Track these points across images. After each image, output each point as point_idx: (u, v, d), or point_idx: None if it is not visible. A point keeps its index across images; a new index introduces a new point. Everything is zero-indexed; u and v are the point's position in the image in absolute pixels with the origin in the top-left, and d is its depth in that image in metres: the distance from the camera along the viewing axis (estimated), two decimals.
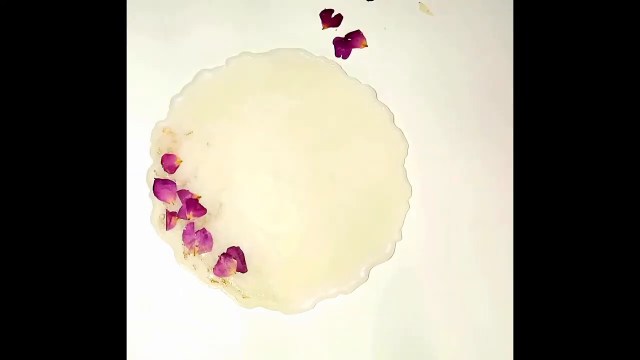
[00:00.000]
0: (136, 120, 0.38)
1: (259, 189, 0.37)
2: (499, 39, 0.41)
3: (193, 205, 0.37)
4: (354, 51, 0.40)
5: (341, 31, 0.41)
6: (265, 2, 0.41)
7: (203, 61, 0.39)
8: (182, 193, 0.37)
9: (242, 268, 0.36)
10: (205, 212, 0.37)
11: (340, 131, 0.39)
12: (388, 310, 0.36)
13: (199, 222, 0.37)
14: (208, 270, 0.36)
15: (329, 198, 0.37)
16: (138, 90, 0.38)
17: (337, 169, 0.38)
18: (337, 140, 0.38)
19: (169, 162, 0.37)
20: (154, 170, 0.37)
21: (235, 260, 0.36)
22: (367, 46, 0.41)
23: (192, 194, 0.37)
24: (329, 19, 0.41)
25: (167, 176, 0.37)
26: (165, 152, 0.38)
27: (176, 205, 0.37)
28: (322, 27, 0.41)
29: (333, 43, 0.41)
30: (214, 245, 0.36)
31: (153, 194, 0.37)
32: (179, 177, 0.37)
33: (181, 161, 0.37)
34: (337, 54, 0.40)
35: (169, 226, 0.36)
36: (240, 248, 0.36)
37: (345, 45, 0.40)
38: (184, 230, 0.36)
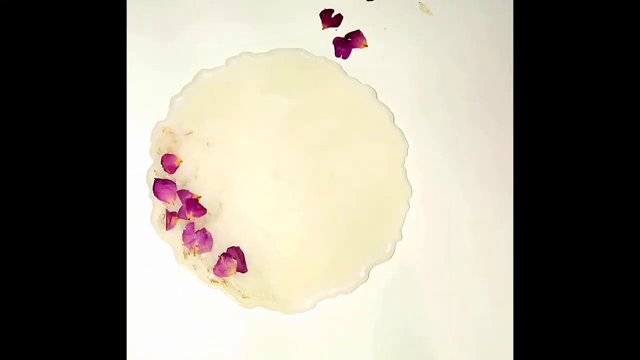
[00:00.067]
0: (136, 120, 0.38)
1: (259, 189, 0.37)
2: (498, 39, 0.41)
3: (193, 205, 0.37)
4: (354, 51, 0.40)
5: (341, 31, 0.41)
6: (266, 2, 0.41)
7: (203, 61, 0.39)
8: (182, 193, 0.37)
9: (242, 268, 0.36)
10: (205, 212, 0.37)
11: (340, 131, 0.39)
12: (388, 310, 0.36)
13: (199, 222, 0.37)
14: (208, 270, 0.36)
15: (329, 198, 0.37)
16: (138, 90, 0.38)
17: (337, 169, 0.38)
18: (337, 140, 0.38)
19: (169, 162, 0.37)
20: (154, 170, 0.37)
21: (235, 260, 0.36)
22: (367, 46, 0.41)
23: (192, 194, 0.37)
24: (329, 19, 0.41)
25: (167, 176, 0.37)
26: (165, 152, 0.38)
27: (176, 205, 0.37)
28: (322, 27, 0.41)
29: (333, 43, 0.41)
30: (214, 245, 0.36)
31: (153, 194, 0.37)
32: (179, 177, 0.37)
33: (181, 161, 0.37)
34: (337, 54, 0.40)
35: (169, 226, 0.36)
36: (240, 248, 0.36)
37: (345, 45, 0.40)
38: (184, 230, 0.36)
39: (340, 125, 0.39)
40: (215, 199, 0.37)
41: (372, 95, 0.39)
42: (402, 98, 0.40)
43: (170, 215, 0.36)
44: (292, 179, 0.38)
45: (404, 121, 0.39)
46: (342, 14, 0.41)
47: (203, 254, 0.36)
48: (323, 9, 0.41)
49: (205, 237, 0.36)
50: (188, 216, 0.36)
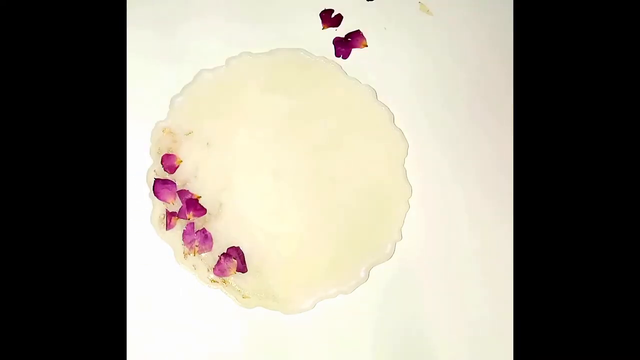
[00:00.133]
0: (136, 120, 0.38)
1: (259, 189, 0.37)
2: (498, 39, 0.41)
3: (193, 205, 0.37)
4: (354, 51, 0.40)
5: (341, 31, 0.41)
6: (266, 2, 0.41)
7: (203, 61, 0.39)
8: (182, 193, 0.37)
9: (242, 268, 0.36)
10: (205, 212, 0.37)
11: (340, 131, 0.39)
12: (388, 310, 0.36)
13: (199, 222, 0.37)
14: (208, 270, 0.36)
15: (329, 198, 0.37)
16: (138, 90, 0.38)
17: (337, 169, 0.38)
18: (337, 140, 0.38)
19: (169, 162, 0.37)
20: (154, 170, 0.37)
21: (235, 260, 0.36)
22: (367, 46, 0.41)
23: (192, 194, 0.37)
24: (329, 19, 0.41)
25: (167, 176, 0.37)
26: (165, 152, 0.38)
27: (176, 205, 0.37)
28: (322, 27, 0.41)
29: (333, 43, 0.41)
30: (214, 245, 0.36)
31: (153, 194, 0.37)
32: (179, 177, 0.37)
33: (181, 161, 0.37)
34: (337, 54, 0.40)
35: (169, 226, 0.36)
36: (240, 248, 0.36)
37: (345, 45, 0.40)
38: (184, 230, 0.36)
39: (340, 125, 0.39)
40: (215, 199, 0.37)
41: (372, 95, 0.39)
42: (402, 98, 0.40)
43: (170, 215, 0.36)
44: (292, 179, 0.38)
45: (404, 121, 0.39)
46: (342, 14, 0.41)
47: (203, 254, 0.36)
48: (323, 9, 0.41)
49: (205, 237, 0.36)
50: (188, 216, 0.36)
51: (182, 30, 0.40)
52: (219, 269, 0.36)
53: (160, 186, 0.37)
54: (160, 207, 0.37)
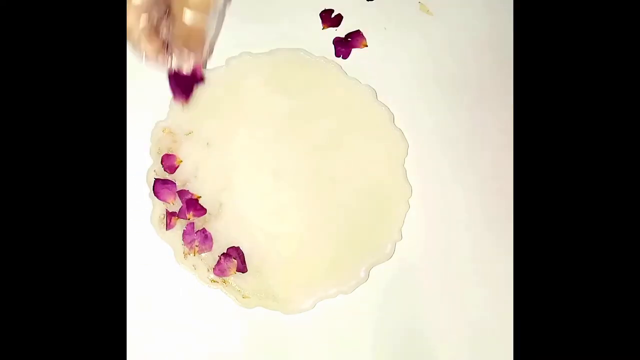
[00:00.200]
0: (136, 120, 0.37)
1: (259, 189, 0.37)
2: (498, 39, 0.41)
3: (193, 205, 0.37)
4: (354, 51, 0.40)
5: (341, 31, 0.41)
6: (266, 2, 0.41)
7: None
8: (182, 193, 0.37)
9: (242, 268, 0.36)
10: (205, 212, 0.37)
11: (340, 131, 0.39)
12: (388, 310, 0.36)
13: (199, 222, 0.37)
14: (208, 270, 0.36)
15: (329, 198, 0.37)
16: (138, 90, 0.38)
17: (337, 169, 0.38)
18: (337, 140, 0.38)
19: (169, 162, 0.37)
20: (154, 170, 0.37)
21: (235, 260, 0.36)
22: (367, 46, 0.41)
23: (192, 194, 0.37)
24: (329, 19, 0.41)
25: (167, 176, 0.37)
26: (165, 152, 0.38)
27: (176, 205, 0.37)
28: (322, 27, 0.41)
29: (333, 43, 0.41)
30: (214, 245, 0.36)
31: (153, 194, 0.37)
32: (179, 177, 0.37)
33: (181, 161, 0.37)
34: (337, 54, 0.40)
35: (169, 226, 0.36)
36: (240, 248, 0.36)
37: (345, 45, 0.40)
38: (184, 230, 0.36)
39: (340, 125, 0.39)
40: (215, 199, 0.37)
41: (372, 95, 0.39)
42: (402, 98, 0.40)
43: (170, 215, 0.36)
44: (292, 179, 0.38)
45: (404, 121, 0.39)
46: (342, 14, 0.41)
47: (203, 254, 0.36)
48: (323, 9, 0.41)
49: (205, 237, 0.36)
50: (188, 216, 0.36)
51: None
52: (219, 269, 0.36)
53: (160, 186, 0.37)
54: (160, 207, 0.37)
